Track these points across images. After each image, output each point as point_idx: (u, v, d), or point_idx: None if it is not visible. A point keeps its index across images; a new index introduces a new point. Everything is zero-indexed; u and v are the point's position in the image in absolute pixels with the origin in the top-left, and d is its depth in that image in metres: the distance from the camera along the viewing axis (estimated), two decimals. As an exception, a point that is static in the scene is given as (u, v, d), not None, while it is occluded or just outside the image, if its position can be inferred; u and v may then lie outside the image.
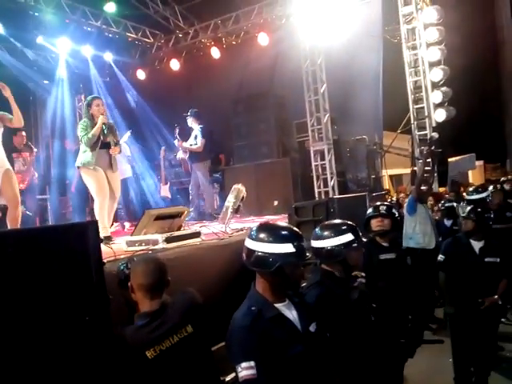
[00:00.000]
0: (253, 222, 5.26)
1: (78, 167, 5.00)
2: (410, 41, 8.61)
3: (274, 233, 1.85)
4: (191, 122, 7.33)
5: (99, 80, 9.53)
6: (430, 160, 6.26)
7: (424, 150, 7.05)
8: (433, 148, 6.25)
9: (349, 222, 2.37)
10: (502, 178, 8.50)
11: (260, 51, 9.33)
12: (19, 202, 4.43)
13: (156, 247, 3.54)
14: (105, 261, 2.97)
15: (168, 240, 3.65)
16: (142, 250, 3.49)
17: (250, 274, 2.00)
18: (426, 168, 6.19)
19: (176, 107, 8.43)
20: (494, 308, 3.63)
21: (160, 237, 3.61)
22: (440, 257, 3.87)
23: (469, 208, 3.78)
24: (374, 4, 8.99)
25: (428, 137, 8.26)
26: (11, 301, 1.70)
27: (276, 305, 1.83)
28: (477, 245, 3.71)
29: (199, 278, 3.64)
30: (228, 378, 2.45)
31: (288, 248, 1.79)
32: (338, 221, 2.46)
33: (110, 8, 8.65)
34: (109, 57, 9.70)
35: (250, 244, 1.86)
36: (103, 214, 4.88)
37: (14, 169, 7.16)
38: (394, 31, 9.65)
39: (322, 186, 8.29)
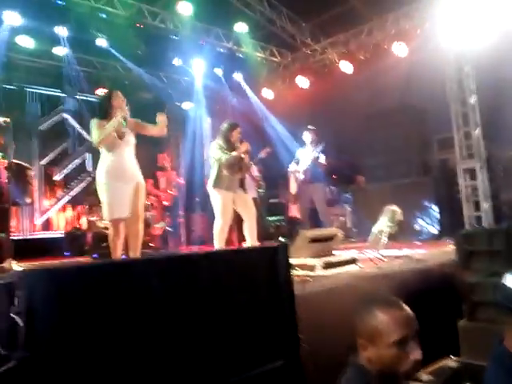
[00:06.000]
0: (407, 249, 4.58)
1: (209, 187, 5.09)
2: None
3: None
4: (312, 137, 6.98)
5: (232, 100, 9.68)
6: None
7: None
8: None
9: None
10: None
11: (394, 63, 8.64)
12: (139, 218, 4.33)
13: (314, 273, 3.10)
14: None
15: (326, 266, 3.19)
16: (300, 275, 3.07)
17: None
18: None
19: (305, 124, 8.10)
20: None
21: (317, 262, 3.17)
22: None
23: None
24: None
25: None
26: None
27: None
28: None
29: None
30: None
31: None
32: None
33: (241, 28, 8.70)
34: (239, 77, 9.83)
35: None
36: (222, 237, 4.97)
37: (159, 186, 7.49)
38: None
39: (471, 210, 7.21)
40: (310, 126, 7.10)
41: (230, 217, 5.09)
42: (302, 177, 6.99)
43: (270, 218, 9.03)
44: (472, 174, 7.26)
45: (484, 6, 7.52)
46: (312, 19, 9.59)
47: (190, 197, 9.59)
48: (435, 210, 7.14)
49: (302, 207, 7.20)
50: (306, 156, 6.98)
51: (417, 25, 8.48)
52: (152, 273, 1.40)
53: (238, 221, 5.65)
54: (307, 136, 7.05)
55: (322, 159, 6.86)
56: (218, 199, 4.94)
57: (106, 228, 7.48)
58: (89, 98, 10.04)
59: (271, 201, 9.23)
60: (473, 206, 7.20)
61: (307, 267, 3.16)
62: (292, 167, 7.13)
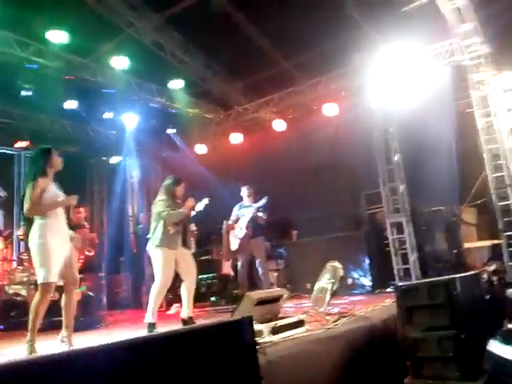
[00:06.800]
0: (348, 305, 4.56)
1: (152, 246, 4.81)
2: (481, 108, 8.18)
3: None
4: (250, 194, 6.98)
5: (163, 154, 9.53)
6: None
7: None
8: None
9: None
10: None
11: (324, 121, 9.08)
12: (76, 283, 4.06)
13: (263, 340, 2.92)
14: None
15: (274, 331, 3.03)
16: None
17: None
18: None
19: (239, 180, 8.10)
20: None
21: (265, 327, 3.01)
22: None
23: None
24: (443, 71, 8.72)
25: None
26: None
27: None
28: None
29: (312, 379, 2.98)
30: None
31: None
32: None
33: (176, 84, 8.74)
34: (172, 131, 9.78)
35: None
36: (159, 300, 4.82)
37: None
38: (464, 98, 9.27)
39: (400, 263, 7.49)
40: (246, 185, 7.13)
41: (171, 278, 4.83)
42: (243, 232, 6.83)
43: (201, 277, 8.68)
44: (399, 227, 7.63)
45: (408, 75, 8.24)
46: (245, 79, 9.90)
47: (113, 256, 8.97)
48: (367, 263, 7.31)
49: (242, 263, 6.99)
50: (245, 211, 6.91)
51: (347, 87, 9.05)
52: (93, 367, 1.15)
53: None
54: (244, 191, 7.03)
55: (262, 214, 6.81)
56: (161, 259, 4.67)
57: (17, 294, 6.66)
58: (6, 151, 9.39)
59: (202, 258, 8.92)
60: (401, 259, 7.50)
61: (255, 333, 2.98)
62: (231, 223, 6.99)
